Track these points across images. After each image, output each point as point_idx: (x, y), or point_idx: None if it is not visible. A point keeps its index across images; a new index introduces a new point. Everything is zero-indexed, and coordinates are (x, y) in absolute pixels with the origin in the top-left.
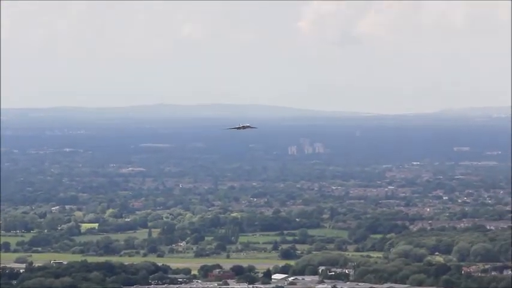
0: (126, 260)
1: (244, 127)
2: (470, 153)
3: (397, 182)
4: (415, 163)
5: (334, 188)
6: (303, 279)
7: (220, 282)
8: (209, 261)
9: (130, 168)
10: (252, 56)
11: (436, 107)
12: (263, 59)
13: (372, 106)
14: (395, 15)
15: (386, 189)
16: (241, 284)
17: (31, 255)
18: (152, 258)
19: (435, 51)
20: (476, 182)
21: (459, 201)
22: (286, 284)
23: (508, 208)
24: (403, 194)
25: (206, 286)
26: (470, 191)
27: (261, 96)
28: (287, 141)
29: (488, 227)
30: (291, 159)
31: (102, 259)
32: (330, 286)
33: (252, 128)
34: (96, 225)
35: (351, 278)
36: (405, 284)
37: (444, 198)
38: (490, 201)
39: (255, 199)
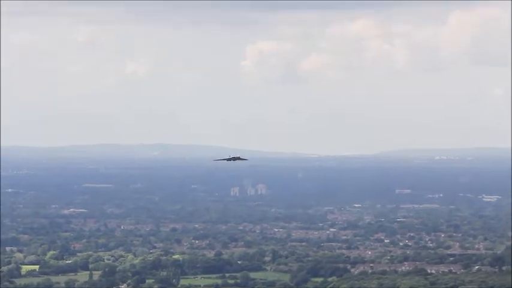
0: None
1: (234, 158)
2: (412, 195)
3: (338, 224)
4: (356, 205)
5: (276, 230)
6: None
7: None
8: None
9: (72, 209)
10: (195, 95)
11: (376, 148)
12: (207, 98)
13: (314, 147)
14: (339, 54)
15: (328, 231)
16: None
17: None
18: None
19: (376, 91)
20: (417, 225)
21: (400, 244)
22: None
23: (448, 252)
24: (345, 237)
25: None
26: (411, 234)
27: (205, 136)
28: (230, 182)
29: (429, 271)
30: (233, 200)
31: None
32: None
33: (242, 159)
34: (37, 267)
35: None
36: None
37: (386, 241)
38: (431, 245)
39: (197, 241)
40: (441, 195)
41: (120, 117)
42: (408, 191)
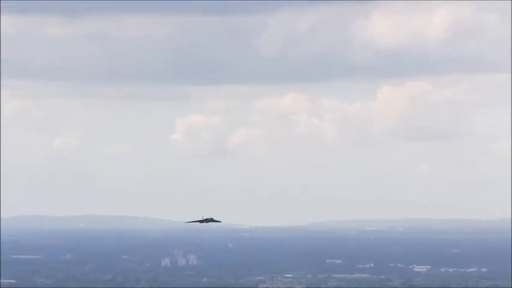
0: None
1: (207, 220)
2: (343, 265)
3: None
4: (288, 275)
5: None
6: None
7: None
8: None
9: (1, 280)
10: (124, 167)
11: (307, 219)
12: (136, 170)
13: (244, 217)
14: (267, 128)
15: None
16: None
17: None
18: None
19: (305, 164)
20: None
21: None
22: None
23: None
24: None
25: None
26: None
27: (133, 207)
28: (160, 252)
29: None
30: (164, 270)
31: None
32: None
33: (215, 221)
34: None
35: None
36: None
37: None
38: None
39: None
40: (372, 265)
41: (45, 188)
42: (339, 261)
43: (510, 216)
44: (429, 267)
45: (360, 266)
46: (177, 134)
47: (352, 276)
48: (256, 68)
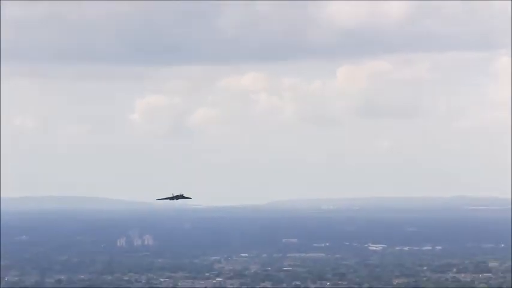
0: None
1: (177, 197)
2: (298, 244)
3: (225, 273)
4: (243, 255)
5: (162, 280)
6: None
7: None
8: None
9: None
10: (83, 147)
11: (264, 199)
12: (95, 150)
13: (201, 198)
14: (227, 108)
15: (214, 281)
16: None
17: None
18: None
19: (265, 143)
20: (303, 274)
21: None
22: None
23: None
24: (231, 286)
25: None
26: (297, 283)
27: (91, 188)
28: (116, 233)
29: None
30: (120, 251)
31: None
32: None
33: (185, 198)
34: None
35: None
36: None
37: None
38: None
39: None
40: (327, 244)
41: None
42: (295, 240)
43: (464, 194)
44: (384, 245)
45: (316, 245)
46: (136, 114)
47: (308, 255)
48: (215, 48)
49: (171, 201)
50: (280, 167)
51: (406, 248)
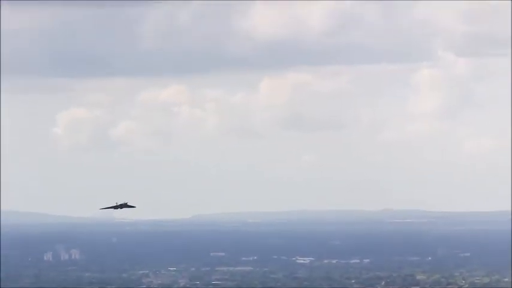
0: None
1: (121, 206)
2: (226, 258)
3: None
4: (171, 269)
5: None
6: None
7: None
8: None
9: None
10: (7, 161)
11: (189, 212)
12: (15, 164)
13: (126, 212)
14: (149, 121)
15: None
16: None
17: None
18: None
19: (187, 158)
20: None
21: None
22: None
23: None
24: None
25: None
26: None
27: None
28: (42, 247)
29: None
30: (47, 265)
31: None
32: None
33: (129, 206)
34: None
35: None
36: None
37: None
38: None
39: None
40: (255, 257)
41: None
42: (222, 253)
43: (389, 207)
44: (312, 258)
45: (244, 258)
46: (58, 127)
47: (236, 269)
48: (136, 60)
49: (115, 210)
50: (203, 180)
51: (334, 261)
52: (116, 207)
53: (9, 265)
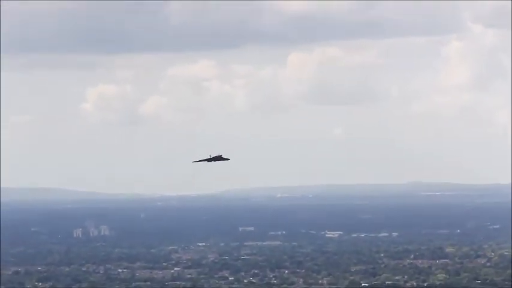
0: None
1: (215, 158)
2: (255, 233)
3: (182, 263)
4: (200, 244)
5: (120, 270)
6: None
7: None
8: None
9: None
10: (34, 138)
11: (219, 187)
12: (45, 141)
13: (154, 187)
14: (179, 96)
15: (172, 271)
16: None
17: None
18: None
19: (220, 132)
20: (261, 262)
21: (245, 281)
22: None
23: (292, 287)
24: (189, 276)
25: None
26: (255, 271)
27: (45, 179)
28: (72, 224)
29: None
30: (76, 242)
31: None
32: None
33: (224, 159)
34: None
35: None
36: None
37: (230, 278)
38: (275, 281)
39: (40, 283)
40: (284, 232)
41: None
42: (251, 228)
43: (419, 180)
44: (341, 232)
45: (272, 233)
46: (88, 103)
47: (265, 243)
48: (165, 36)
49: (208, 162)
50: (232, 155)
51: (363, 235)
52: (209, 159)
53: (39, 242)
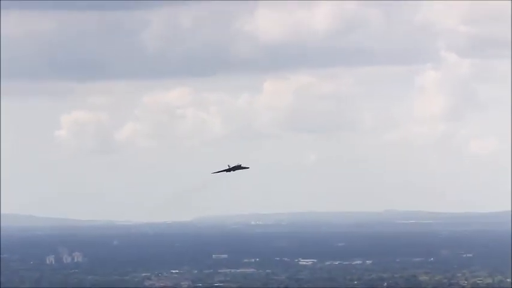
0: None
1: (234, 168)
2: (229, 260)
3: None
4: (174, 271)
5: None
6: None
7: None
8: None
9: None
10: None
11: (190, 214)
12: (18, 167)
13: (128, 215)
14: (153, 123)
15: None
16: None
17: None
18: None
19: (191, 158)
20: None
21: None
22: None
23: None
24: None
25: None
26: None
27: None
28: (44, 251)
29: None
30: (49, 269)
31: None
32: None
33: (243, 168)
34: None
35: None
36: None
37: None
38: None
39: None
40: (257, 259)
41: None
42: (225, 255)
43: (393, 208)
44: (315, 260)
45: (246, 260)
46: (63, 130)
47: (238, 270)
48: (141, 63)
49: (228, 173)
50: (206, 183)
51: (337, 263)
52: (228, 170)
53: (11, 269)
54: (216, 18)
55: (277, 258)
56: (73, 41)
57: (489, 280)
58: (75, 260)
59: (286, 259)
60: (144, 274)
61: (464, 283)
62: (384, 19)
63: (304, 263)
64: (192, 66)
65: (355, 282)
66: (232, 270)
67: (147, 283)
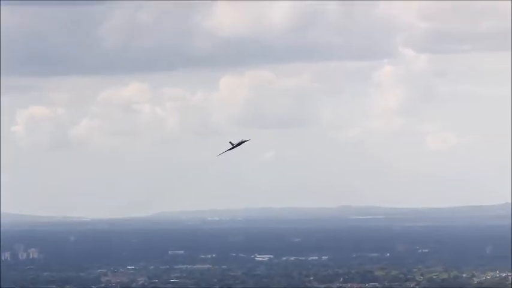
0: None
1: (239, 144)
2: (185, 256)
3: (112, 286)
4: (130, 267)
5: None
6: None
7: None
8: None
9: None
10: None
11: (148, 210)
12: None
13: (85, 211)
14: (110, 119)
15: None
16: None
17: None
18: None
19: (148, 154)
20: (191, 285)
21: None
22: None
23: None
24: None
25: None
26: None
27: None
28: (0, 247)
29: None
30: (4, 265)
31: None
32: None
33: (245, 141)
34: None
35: None
36: None
37: None
38: None
39: None
40: (214, 255)
41: None
42: (181, 252)
43: (349, 204)
44: (271, 256)
45: (202, 256)
46: (18, 126)
47: (195, 266)
48: (97, 59)
49: (232, 150)
50: (162, 178)
51: (292, 258)
52: (232, 148)
53: None
54: (173, 14)
55: (234, 254)
56: (28, 36)
57: (445, 275)
58: (31, 256)
59: (242, 255)
60: (100, 270)
61: (420, 278)
62: (342, 14)
63: (260, 258)
64: (148, 62)
65: (311, 278)
66: (189, 267)
67: (103, 279)
